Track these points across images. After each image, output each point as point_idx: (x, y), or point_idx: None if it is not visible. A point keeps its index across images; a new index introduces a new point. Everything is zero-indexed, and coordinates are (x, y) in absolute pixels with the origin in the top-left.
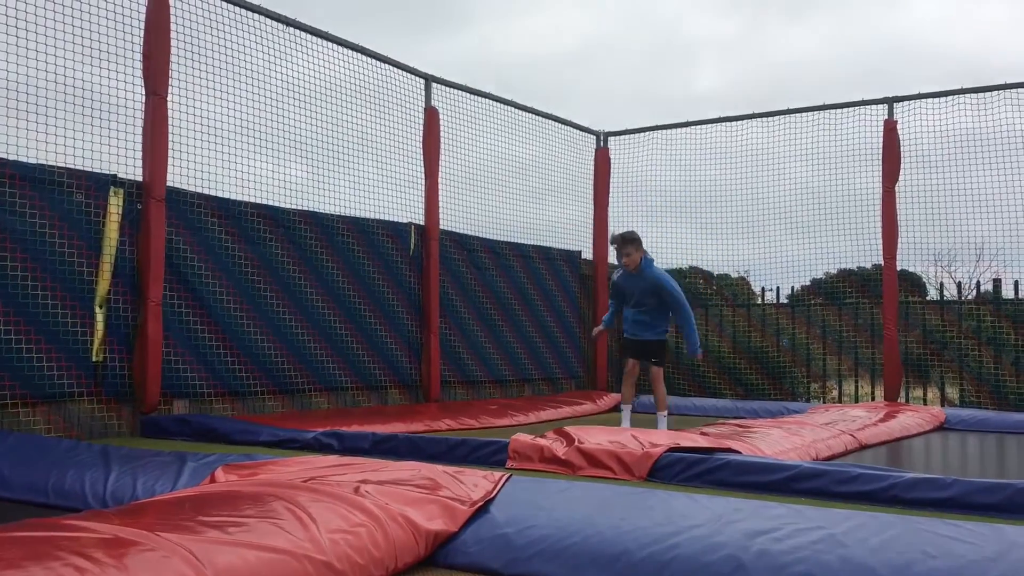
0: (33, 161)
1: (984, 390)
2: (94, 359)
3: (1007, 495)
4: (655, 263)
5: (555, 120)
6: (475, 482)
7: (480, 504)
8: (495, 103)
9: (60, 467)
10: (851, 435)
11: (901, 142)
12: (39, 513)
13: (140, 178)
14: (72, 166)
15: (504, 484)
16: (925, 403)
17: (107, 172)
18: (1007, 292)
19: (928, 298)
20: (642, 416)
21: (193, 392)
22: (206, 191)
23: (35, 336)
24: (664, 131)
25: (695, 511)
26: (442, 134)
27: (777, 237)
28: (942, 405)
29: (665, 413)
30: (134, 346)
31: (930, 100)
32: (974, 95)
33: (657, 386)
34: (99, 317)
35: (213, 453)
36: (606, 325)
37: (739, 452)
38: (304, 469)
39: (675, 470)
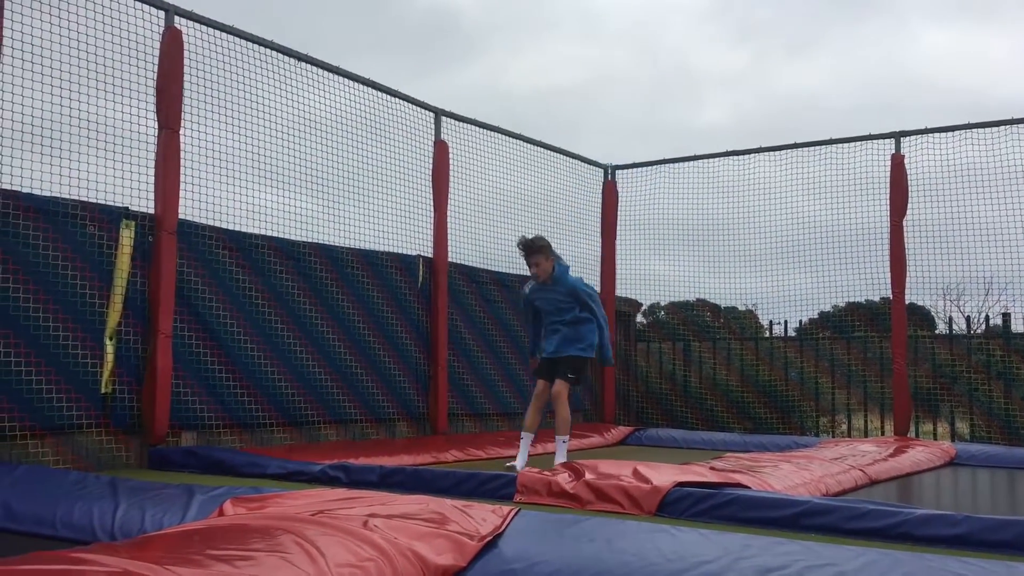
0: (46, 194)
1: (994, 425)
2: (103, 391)
3: (1019, 532)
4: (571, 271)
5: (563, 153)
6: (483, 516)
7: (488, 539)
8: (503, 136)
9: (68, 499)
10: (861, 470)
11: (908, 176)
12: (47, 546)
13: (152, 211)
14: (85, 199)
15: (513, 518)
16: (935, 438)
17: (119, 205)
18: (1017, 326)
19: (937, 332)
20: (652, 449)
21: (201, 424)
22: (217, 224)
23: (45, 367)
24: (671, 164)
25: (706, 547)
26: (451, 167)
27: (785, 270)
28: (952, 440)
29: (566, 438)
30: (143, 378)
31: (937, 135)
32: (981, 130)
33: (559, 405)
34: (109, 349)
35: (221, 486)
36: (537, 352)
37: (748, 487)
38: (312, 502)
39: (684, 505)
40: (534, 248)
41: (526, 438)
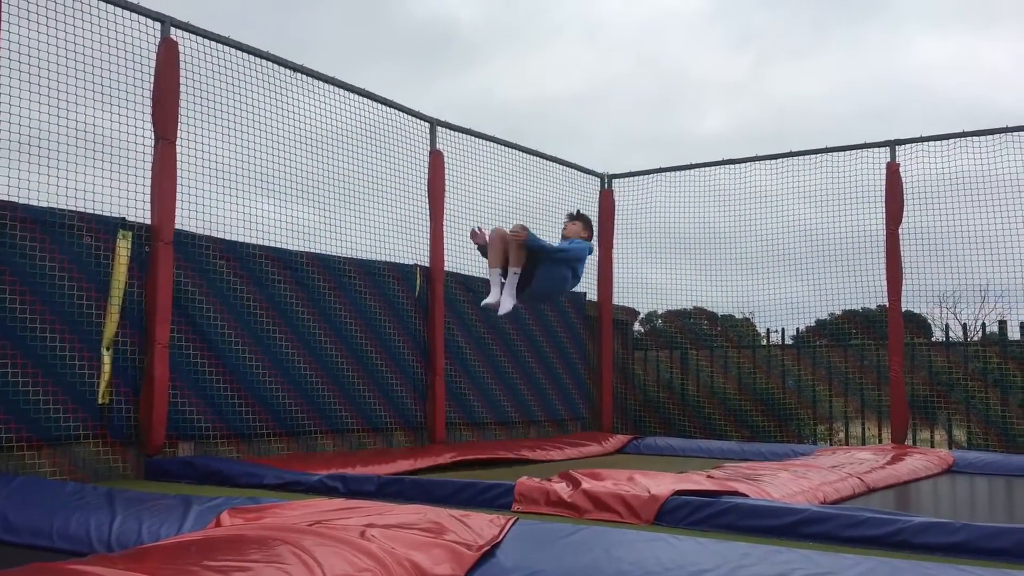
0: (43, 205)
1: (991, 432)
2: (100, 401)
3: (1017, 540)
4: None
5: (559, 163)
6: (481, 526)
7: (486, 548)
8: (499, 146)
9: (65, 510)
10: (858, 478)
11: (904, 184)
12: (44, 557)
13: (149, 221)
14: (81, 210)
15: (510, 528)
16: (932, 445)
17: (116, 215)
18: (1013, 333)
19: (934, 339)
20: (650, 458)
21: (199, 434)
22: (214, 234)
23: (42, 378)
24: (668, 173)
25: (704, 556)
26: (447, 177)
27: (781, 278)
28: (949, 447)
29: (518, 270)
30: (140, 388)
31: (933, 143)
32: (976, 138)
33: (514, 250)
34: (106, 359)
35: (218, 496)
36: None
37: (746, 495)
38: (309, 513)
39: (682, 513)
40: (580, 216)
41: (493, 274)
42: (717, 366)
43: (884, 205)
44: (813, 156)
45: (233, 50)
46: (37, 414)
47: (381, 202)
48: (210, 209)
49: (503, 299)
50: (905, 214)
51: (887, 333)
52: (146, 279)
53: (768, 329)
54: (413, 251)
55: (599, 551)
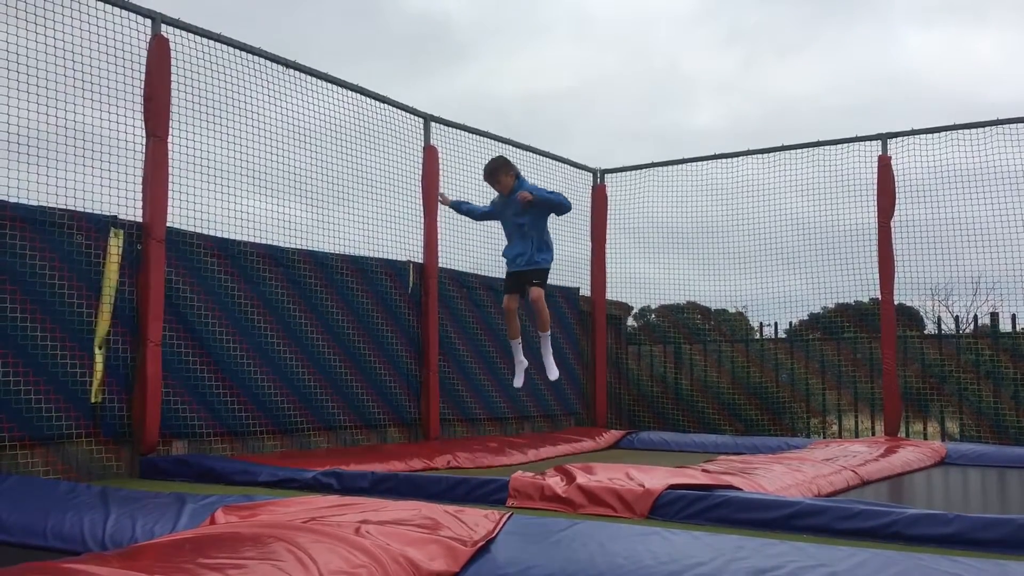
0: (34, 203)
1: (984, 424)
2: (93, 400)
3: (1010, 530)
4: (528, 180)
5: (552, 158)
6: (476, 521)
7: (481, 544)
8: (493, 141)
9: (59, 509)
10: (852, 471)
11: (896, 177)
12: (38, 556)
13: (140, 219)
14: (72, 208)
15: (505, 523)
16: (925, 437)
17: (107, 214)
18: (1005, 325)
19: (926, 332)
20: (644, 453)
21: (192, 432)
22: (206, 231)
23: (34, 377)
24: (660, 168)
25: (698, 549)
26: (441, 172)
27: (774, 272)
28: (942, 439)
29: (548, 333)
30: (133, 387)
31: (924, 136)
32: (967, 131)
33: (539, 307)
34: (98, 358)
35: (212, 494)
36: (457, 204)
37: (740, 489)
38: (304, 509)
39: (676, 507)
40: (493, 169)
41: (515, 345)
42: (711, 360)
43: (876, 198)
44: (805, 150)
45: (224, 46)
46: (30, 413)
47: (375, 198)
48: (202, 206)
49: (548, 366)
50: (897, 207)
51: (880, 326)
52: (138, 277)
53: (761, 323)
54: (407, 247)
55: (594, 545)
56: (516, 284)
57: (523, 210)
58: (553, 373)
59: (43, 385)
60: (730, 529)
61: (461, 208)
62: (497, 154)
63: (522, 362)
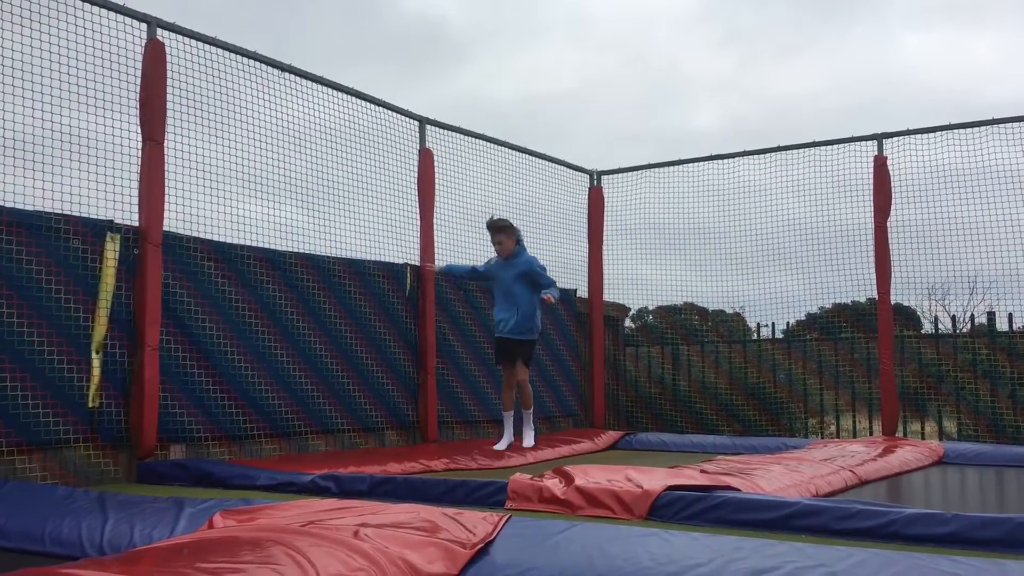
0: (29, 208)
1: (981, 423)
2: (90, 405)
3: (1008, 529)
4: (527, 251)
5: (548, 160)
6: (474, 524)
7: (480, 546)
8: (489, 144)
9: (56, 514)
10: (850, 471)
11: (892, 177)
12: (36, 562)
13: (137, 223)
14: (68, 212)
15: (504, 525)
16: (923, 437)
17: (104, 218)
18: (1002, 325)
19: (923, 331)
20: (642, 454)
21: (190, 436)
22: (203, 235)
23: (31, 383)
24: (657, 169)
25: (697, 550)
26: (437, 175)
27: (771, 273)
28: (940, 439)
29: (531, 411)
30: (130, 391)
31: (920, 136)
32: (963, 130)
33: (524, 389)
34: (95, 362)
35: (211, 498)
36: (448, 269)
37: (738, 489)
38: (302, 513)
39: (675, 508)
40: (499, 227)
41: (507, 417)
42: (708, 361)
43: (872, 198)
44: (801, 150)
45: (220, 50)
46: (27, 418)
47: (371, 201)
48: (199, 210)
49: (525, 435)
50: (893, 207)
51: (877, 326)
52: (135, 281)
53: (759, 324)
54: (403, 250)
55: (592, 547)
56: (505, 353)
57: (518, 279)
58: (528, 443)
59: (40, 390)
60: (729, 530)
61: (453, 271)
62: (496, 217)
63: (509, 437)
